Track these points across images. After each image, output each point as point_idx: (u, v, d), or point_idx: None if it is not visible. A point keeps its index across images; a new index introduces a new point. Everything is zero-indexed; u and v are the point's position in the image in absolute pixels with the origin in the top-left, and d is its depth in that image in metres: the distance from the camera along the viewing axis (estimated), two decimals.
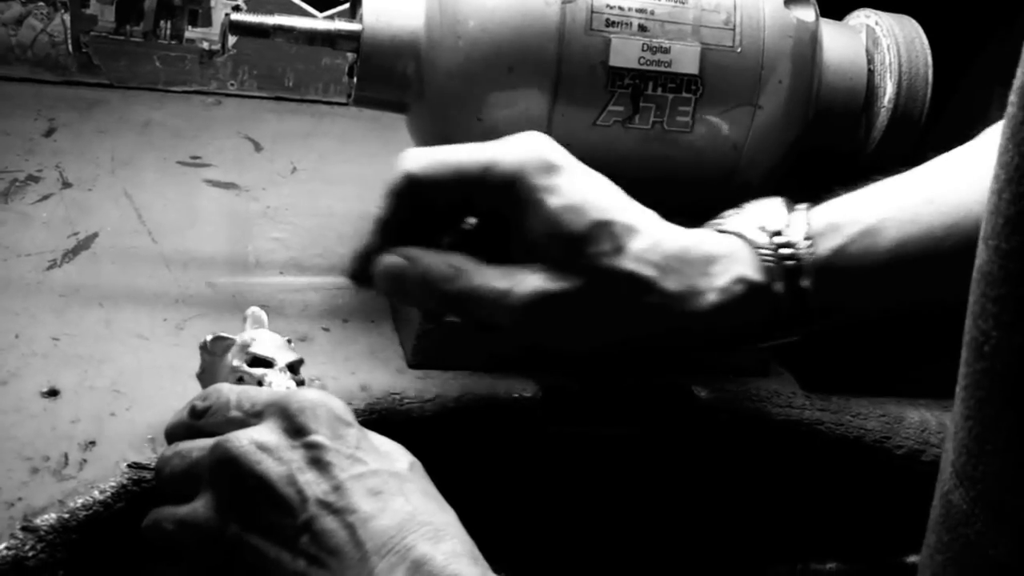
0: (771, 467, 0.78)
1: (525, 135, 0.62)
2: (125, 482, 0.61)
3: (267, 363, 0.62)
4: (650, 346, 0.64)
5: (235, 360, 0.61)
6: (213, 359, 0.62)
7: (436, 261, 0.61)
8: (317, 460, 0.52)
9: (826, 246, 0.61)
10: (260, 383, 0.60)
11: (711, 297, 0.60)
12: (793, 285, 0.61)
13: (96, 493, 0.60)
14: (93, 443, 0.63)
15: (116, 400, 0.66)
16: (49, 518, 0.58)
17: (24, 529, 0.57)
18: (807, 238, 0.61)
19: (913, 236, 0.60)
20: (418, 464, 0.55)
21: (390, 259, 0.62)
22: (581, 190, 0.60)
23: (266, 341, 0.62)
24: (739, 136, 0.71)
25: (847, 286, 0.61)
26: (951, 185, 0.61)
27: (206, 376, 0.62)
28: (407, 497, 0.52)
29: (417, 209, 0.62)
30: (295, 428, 0.53)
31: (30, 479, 0.60)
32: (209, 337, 0.62)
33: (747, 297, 0.61)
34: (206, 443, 0.55)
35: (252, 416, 0.55)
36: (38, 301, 0.74)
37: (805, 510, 0.82)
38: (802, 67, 0.71)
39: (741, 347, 0.70)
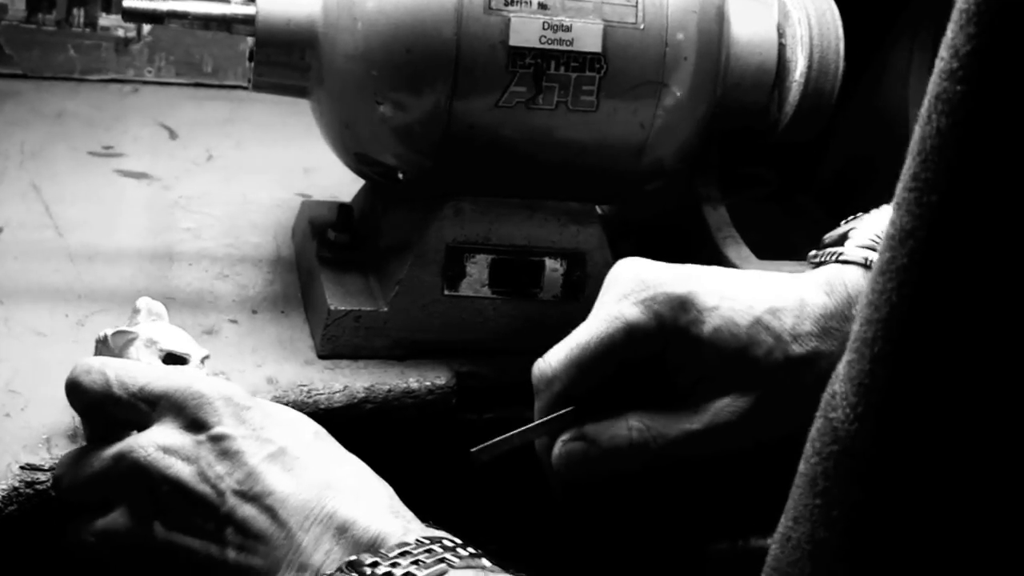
0: None
1: (622, 286, 0.60)
2: (17, 484, 0.60)
3: (182, 360, 0.60)
4: None
5: (144, 357, 0.59)
6: (111, 354, 0.60)
7: (617, 430, 0.60)
8: (225, 451, 0.52)
9: None
10: None
11: None
12: None
13: None
14: None
15: (11, 400, 0.65)
16: None
17: None
18: None
19: None
20: (323, 431, 0.56)
21: (569, 446, 0.60)
22: (716, 304, 0.59)
23: (172, 335, 0.60)
24: (646, 114, 0.70)
25: None
26: None
27: None
28: (320, 466, 0.53)
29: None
30: (196, 423, 0.53)
31: None
32: (110, 331, 0.60)
33: None
34: (107, 454, 0.54)
35: (141, 401, 0.54)
36: None
37: (743, 485, 0.81)
38: (708, 42, 0.70)
39: None
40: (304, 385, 0.70)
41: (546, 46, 0.67)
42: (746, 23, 0.74)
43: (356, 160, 0.73)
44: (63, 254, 0.79)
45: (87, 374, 0.56)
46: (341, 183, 0.86)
